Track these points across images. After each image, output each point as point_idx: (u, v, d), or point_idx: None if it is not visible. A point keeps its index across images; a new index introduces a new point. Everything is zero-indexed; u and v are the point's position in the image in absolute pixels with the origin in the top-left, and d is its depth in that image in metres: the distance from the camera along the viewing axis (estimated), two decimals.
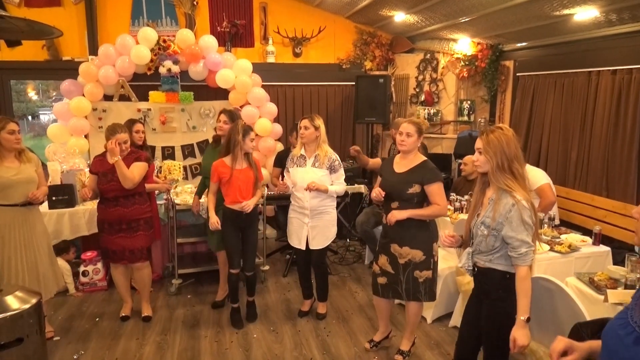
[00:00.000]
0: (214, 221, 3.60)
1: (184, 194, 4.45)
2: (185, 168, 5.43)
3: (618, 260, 3.38)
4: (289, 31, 6.00)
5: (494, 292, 2.24)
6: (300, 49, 6.08)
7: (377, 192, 3.11)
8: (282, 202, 4.78)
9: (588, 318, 2.22)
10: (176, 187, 4.57)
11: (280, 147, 5.66)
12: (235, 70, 5.35)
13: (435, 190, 2.98)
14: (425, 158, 3.08)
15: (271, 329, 3.75)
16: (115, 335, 3.63)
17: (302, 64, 6.12)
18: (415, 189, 2.98)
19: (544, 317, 2.41)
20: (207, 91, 5.57)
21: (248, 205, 3.56)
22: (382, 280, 3.20)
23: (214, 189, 3.64)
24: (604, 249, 3.44)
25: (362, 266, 5.10)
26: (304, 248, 3.71)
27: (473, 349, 2.41)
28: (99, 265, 4.38)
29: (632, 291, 1.67)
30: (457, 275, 3.49)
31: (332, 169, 3.60)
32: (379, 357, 3.37)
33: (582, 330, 2.02)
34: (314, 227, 3.66)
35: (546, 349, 2.36)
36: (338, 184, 3.63)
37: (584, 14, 3.84)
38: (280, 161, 5.14)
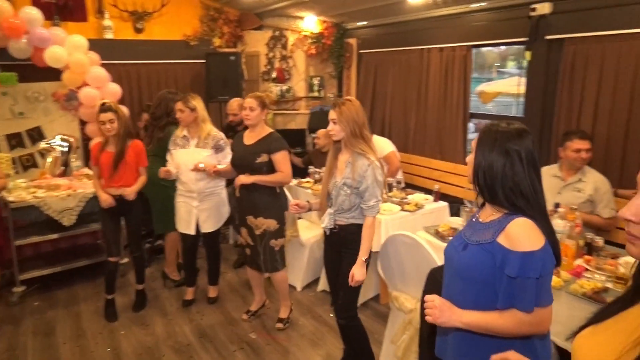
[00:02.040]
0: (105, 197, 3.43)
1: (18, 189, 3.90)
2: (14, 160, 4.73)
3: (453, 212, 3.91)
4: (128, 4, 5.52)
5: (353, 243, 2.57)
6: (142, 24, 5.65)
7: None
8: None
9: (439, 263, 2.54)
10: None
11: None
12: (67, 47, 4.75)
13: (280, 158, 3.14)
14: (272, 130, 3.25)
15: (140, 322, 3.55)
16: None
17: (146, 41, 5.69)
18: (263, 158, 3.12)
19: (406, 269, 2.70)
20: (35, 71, 4.83)
21: (130, 191, 3.45)
22: (248, 251, 3.37)
23: (96, 171, 3.51)
24: (443, 204, 3.96)
25: (228, 246, 5.05)
26: (193, 233, 3.61)
27: None
28: None
29: None
30: None
31: (217, 148, 3.49)
32: (256, 330, 3.43)
33: (437, 274, 2.31)
34: (203, 210, 3.56)
35: (407, 296, 2.67)
36: (225, 164, 3.46)
37: None
38: None
